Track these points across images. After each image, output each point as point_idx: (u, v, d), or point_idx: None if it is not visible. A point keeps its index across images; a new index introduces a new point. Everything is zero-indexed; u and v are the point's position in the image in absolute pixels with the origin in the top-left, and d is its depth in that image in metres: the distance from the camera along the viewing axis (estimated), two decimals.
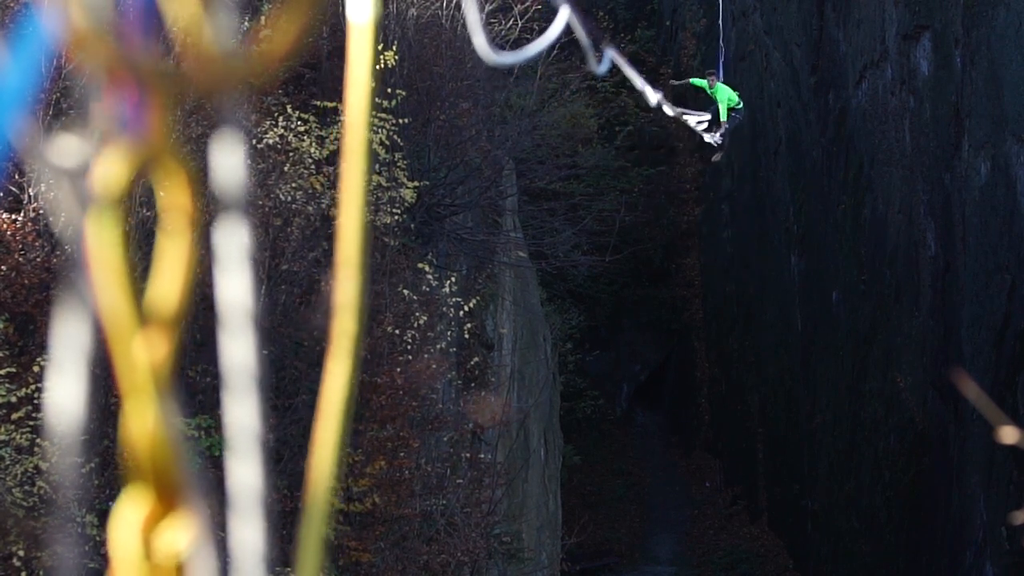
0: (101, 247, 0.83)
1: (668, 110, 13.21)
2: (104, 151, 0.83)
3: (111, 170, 0.83)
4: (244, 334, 0.87)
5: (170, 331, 0.84)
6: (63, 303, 0.84)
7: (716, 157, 21.42)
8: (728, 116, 21.04)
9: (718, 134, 20.89)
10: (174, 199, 0.84)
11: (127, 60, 0.82)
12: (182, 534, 0.83)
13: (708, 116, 20.88)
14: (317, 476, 0.89)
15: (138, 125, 0.83)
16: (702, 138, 19.87)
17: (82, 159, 0.83)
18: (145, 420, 0.83)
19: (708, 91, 21.30)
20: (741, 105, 21.43)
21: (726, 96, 21.00)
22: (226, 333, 0.86)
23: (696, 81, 22.40)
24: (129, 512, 0.84)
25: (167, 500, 0.84)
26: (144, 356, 0.83)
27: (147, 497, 0.84)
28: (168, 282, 0.85)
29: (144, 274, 0.86)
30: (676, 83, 27.76)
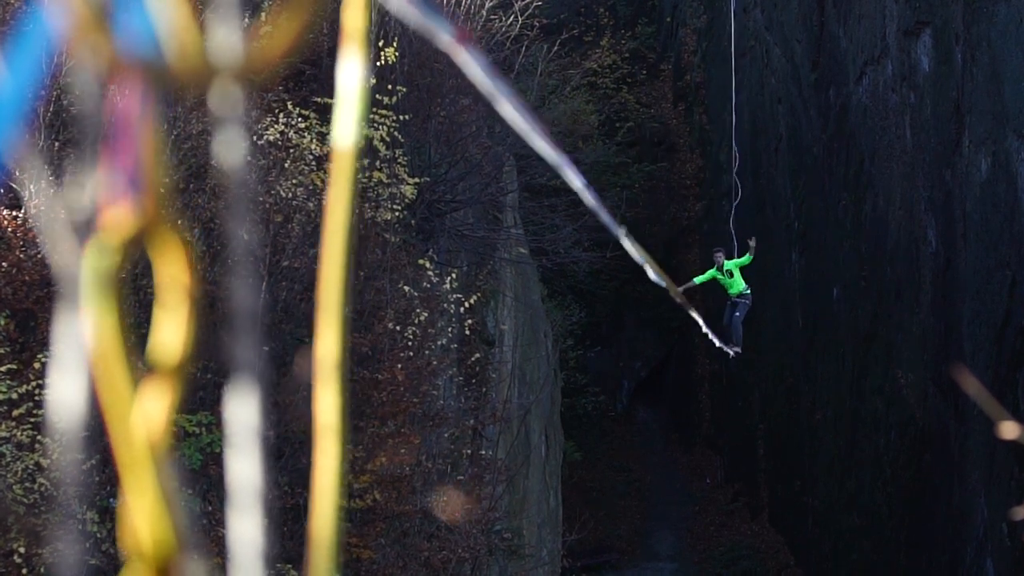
0: (100, 326, 0.82)
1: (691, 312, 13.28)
2: (103, 212, 0.83)
3: (109, 235, 0.82)
4: (245, 331, 0.87)
5: (167, 401, 0.83)
6: (64, 300, 0.83)
7: (732, 352, 21.02)
8: (739, 300, 20.87)
9: (733, 348, 20.69)
10: (171, 272, 0.84)
11: (128, 57, 0.81)
12: None
13: (734, 348, 20.59)
14: (323, 480, 0.88)
15: (136, 191, 0.82)
16: (715, 343, 19.60)
17: (83, 213, 0.82)
18: (145, 496, 0.82)
19: (718, 275, 20.97)
20: (749, 291, 21.13)
21: (736, 268, 20.78)
22: (227, 330, 0.86)
23: (700, 279, 21.80)
24: None
25: None
26: (142, 431, 0.82)
27: None
28: (165, 351, 0.84)
29: (142, 322, 0.85)
30: (682, 288, 27.58)
